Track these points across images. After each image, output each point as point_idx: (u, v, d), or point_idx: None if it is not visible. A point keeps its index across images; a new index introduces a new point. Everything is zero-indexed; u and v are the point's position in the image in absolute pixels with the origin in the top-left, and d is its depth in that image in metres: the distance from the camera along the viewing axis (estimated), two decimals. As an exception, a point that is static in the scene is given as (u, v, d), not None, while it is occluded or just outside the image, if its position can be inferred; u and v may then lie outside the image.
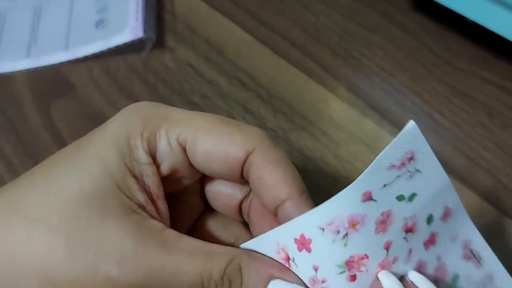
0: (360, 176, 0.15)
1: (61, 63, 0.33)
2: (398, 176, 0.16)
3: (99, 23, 0.35)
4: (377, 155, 0.29)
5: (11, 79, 0.33)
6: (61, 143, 0.29)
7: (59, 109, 0.31)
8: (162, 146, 0.18)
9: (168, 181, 0.18)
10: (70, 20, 0.35)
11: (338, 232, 0.15)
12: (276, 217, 0.18)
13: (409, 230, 0.16)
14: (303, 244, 0.15)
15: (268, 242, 0.17)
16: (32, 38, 0.35)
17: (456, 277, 0.18)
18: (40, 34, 0.35)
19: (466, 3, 0.29)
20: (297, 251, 0.16)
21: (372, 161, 0.15)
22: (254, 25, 0.35)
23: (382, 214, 0.15)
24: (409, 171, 0.16)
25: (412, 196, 0.16)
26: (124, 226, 0.16)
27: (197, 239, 0.17)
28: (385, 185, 0.15)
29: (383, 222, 0.15)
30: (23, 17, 0.36)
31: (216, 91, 0.31)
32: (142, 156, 0.17)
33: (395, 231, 0.16)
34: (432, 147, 0.28)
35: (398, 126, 0.29)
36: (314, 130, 0.29)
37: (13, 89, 0.32)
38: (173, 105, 0.31)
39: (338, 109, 0.30)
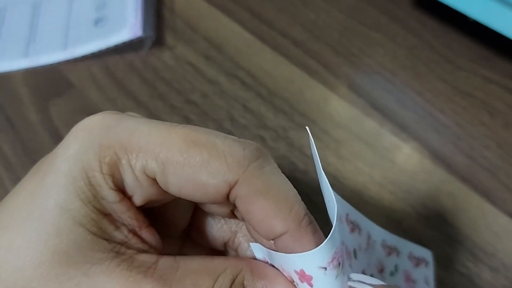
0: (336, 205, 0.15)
1: (59, 62, 0.33)
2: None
3: (98, 21, 0.34)
4: (378, 154, 0.29)
5: (10, 78, 0.33)
6: (60, 142, 0.29)
7: (57, 107, 0.31)
8: (129, 179, 0.15)
9: (147, 204, 0.17)
10: (69, 18, 0.35)
11: (339, 264, 0.15)
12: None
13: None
14: (304, 278, 0.15)
15: (273, 257, 0.16)
16: (31, 36, 0.34)
17: (354, 252, 0.18)
18: (39, 32, 0.35)
19: (467, 2, 0.29)
20: (299, 281, 0.15)
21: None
22: (254, 23, 0.34)
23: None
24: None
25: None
26: (113, 275, 0.14)
27: (193, 258, 0.16)
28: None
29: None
30: (22, 14, 0.36)
31: (216, 89, 0.31)
32: (109, 195, 0.15)
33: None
34: (433, 145, 0.28)
35: (399, 125, 0.29)
36: (315, 129, 0.29)
37: (11, 87, 0.32)
38: (172, 105, 0.31)
39: (338, 108, 0.30)
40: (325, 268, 0.14)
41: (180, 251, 0.19)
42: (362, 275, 0.16)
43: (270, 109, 0.30)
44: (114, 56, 0.33)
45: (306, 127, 0.16)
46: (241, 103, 0.30)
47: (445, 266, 0.24)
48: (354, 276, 0.16)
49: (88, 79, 0.32)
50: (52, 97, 0.31)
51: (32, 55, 0.33)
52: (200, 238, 0.19)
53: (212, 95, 0.31)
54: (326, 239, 0.14)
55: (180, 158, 0.15)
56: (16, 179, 0.28)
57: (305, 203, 0.28)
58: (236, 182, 0.15)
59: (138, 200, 0.16)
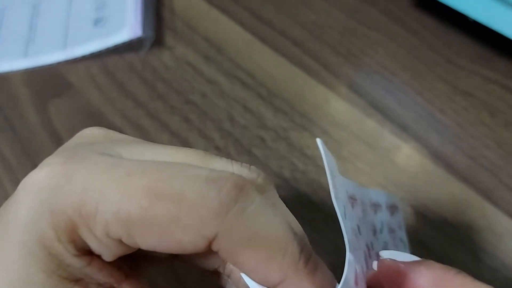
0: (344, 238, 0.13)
1: (59, 63, 0.33)
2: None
3: (97, 22, 0.34)
4: (379, 154, 0.28)
5: (9, 78, 0.33)
6: (59, 143, 0.29)
7: (57, 108, 0.31)
8: (92, 243, 0.14)
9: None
10: (69, 18, 0.35)
11: None
12: None
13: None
14: None
15: None
16: (31, 36, 0.34)
17: (358, 228, 0.17)
18: (38, 32, 0.35)
19: (467, 2, 0.29)
20: None
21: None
22: (254, 23, 0.34)
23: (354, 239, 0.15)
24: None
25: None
26: None
27: None
28: (345, 214, 0.14)
29: (356, 236, 0.15)
30: (21, 14, 0.36)
31: (216, 90, 0.31)
32: (74, 262, 0.14)
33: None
34: (433, 145, 0.28)
35: (400, 125, 0.29)
36: (315, 129, 0.29)
37: (10, 88, 0.32)
38: (172, 106, 0.31)
39: (339, 108, 0.30)
40: None
41: (173, 269, 0.18)
42: (394, 252, 0.15)
43: (270, 110, 0.30)
44: (114, 56, 0.33)
45: (317, 139, 0.14)
46: (241, 104, 0.30)
47: (445, 266, 0.24)
48: (385, 253, 0.15)
49: (87, 80, 0.32)
50: (52, 98, 0.31)
51: (31, 55, 0.33)
52: (188, 262, 0.17)
53: (211, 95, 0.31)
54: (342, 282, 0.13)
55: (145, 217, 0.13)
56: (15, 180, 0.28)
57: (304, 204, 0.28)
58: (215, 236, 0.13)
59: (108, 258, 0.14)
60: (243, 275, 0.15)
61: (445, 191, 0.26)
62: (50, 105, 0.31)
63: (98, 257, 0.14)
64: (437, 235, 0.25)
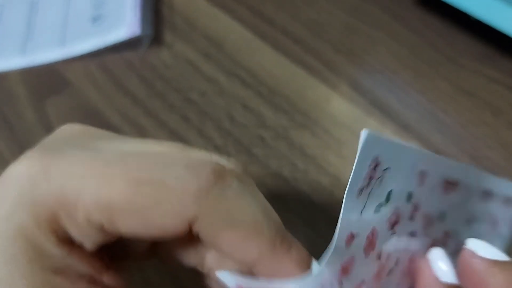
0: (337, 227, 0.13)
1: (57, 61, 0.32)
2: (369, 193, 0.14)
3: (96, 19, 0.34)
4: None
5: (6, 77, 0.32)
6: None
7: (55, 106, 0.31)
8: (73, 232, 0.14)
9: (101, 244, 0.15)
10: (67, 16, 0.35)
11: None
12: None
13: (394, 223, 0.15)
14: None
15: (253, 283, 0.14)
16: (29, 34, 0.34)
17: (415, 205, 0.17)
18: (36, 30, 0.34)
19: (470, 0, 0.29)
20: None
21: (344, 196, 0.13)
22: (254, 21, 0.34)
23: (367, 238, 0.14)
24: (378, 177, 0.14)
25: (388, 195, 0.14)
26: None
27: None
28: (361, 212, 0.14)
29: (370, 243, 0.14)
30: (19, 12, 0.36)
31: (215, 88, 0.31)
32: (55, 252, 0.14)
33: (381, 238, 0.15)
34: (435, 146, 0.28)
35: (401, 125, 0.29)
36: (316, 128, 0.29)
37: (8, 86, 0.32)
38: (171, 104, 0.30)
39: (340, 107, 0.30)
40: None
41: (153, 262, 0.18)
42: (483, 243, 0.14)
43: (270, 108, 0.30)
44: (112, 54, 0.33)
45: (363, 130, 0.13)
46: (240, 102, 0.30)
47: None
48: (472, 243, 0.14)
49: (85, 78, 0.32)
50: (49, 96, 0.31)
51: (29, 53, 0.33)
52: (166, 259, 0.17)
53: (211, 93, 0.31)
54: (305, 279, 0.13)
55: (126, 203, 0.13)
56: (12, 179, 0.27)
57: (305, 204, 0.28)
58: (196, 218, 0.14)
59: (89, 246, 0.15)
60: (218, 274, 0.15)
61: (448, 192, 0.26)
62: (48, 104, 0.31)
63: (80, 247, 0.15)
64: (439, 237, 0.25)
